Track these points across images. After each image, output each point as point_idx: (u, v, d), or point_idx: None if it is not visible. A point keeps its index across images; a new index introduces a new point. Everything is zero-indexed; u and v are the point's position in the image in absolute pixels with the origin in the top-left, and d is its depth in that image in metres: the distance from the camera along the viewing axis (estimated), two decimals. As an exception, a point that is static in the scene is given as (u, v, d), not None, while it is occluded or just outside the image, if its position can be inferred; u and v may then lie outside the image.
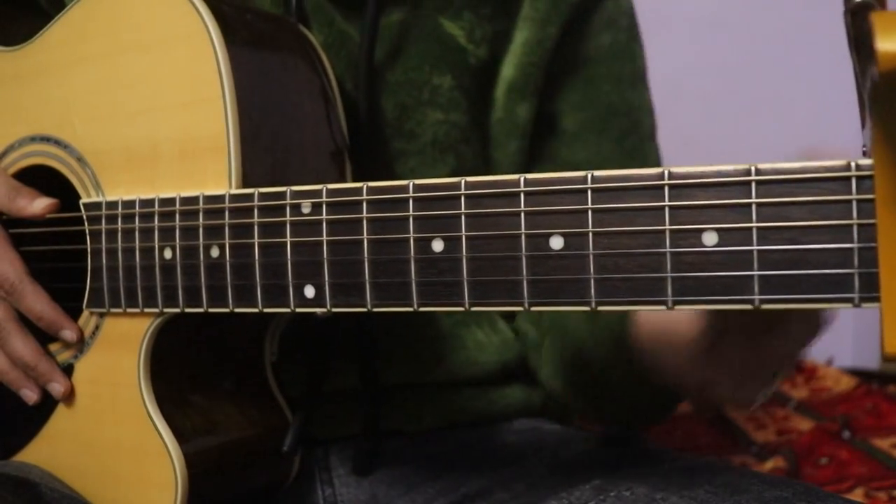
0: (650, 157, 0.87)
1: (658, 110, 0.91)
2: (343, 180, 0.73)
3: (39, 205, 0.72)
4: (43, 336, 0.73)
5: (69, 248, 0.74)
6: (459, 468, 0.83)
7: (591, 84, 0.86)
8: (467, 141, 0.83)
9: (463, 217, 0.54)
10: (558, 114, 0.86)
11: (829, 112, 2.13)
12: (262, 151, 0.67)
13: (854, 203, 0.44)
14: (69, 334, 0.72)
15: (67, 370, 0.73)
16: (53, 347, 0.74)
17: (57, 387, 0.73)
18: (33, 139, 0.76)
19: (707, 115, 2.10)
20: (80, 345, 0.72)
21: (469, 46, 0.82)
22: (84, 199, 0.72)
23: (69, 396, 0.73)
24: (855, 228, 0.44)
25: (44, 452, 0.75)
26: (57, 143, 0.74)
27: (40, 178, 0.75)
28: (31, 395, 0.74)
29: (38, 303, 0.72)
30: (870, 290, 0.44)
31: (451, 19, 0.81)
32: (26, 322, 0.73)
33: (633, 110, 0.87)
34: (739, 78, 2.19)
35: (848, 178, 0.44)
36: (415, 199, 0.56)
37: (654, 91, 0.91)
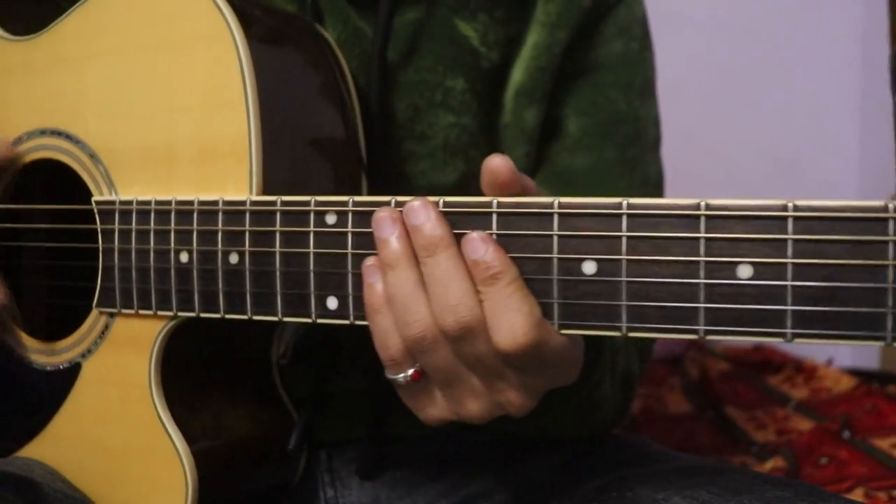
0: (651, 168, 0.87)
1: (660, 110, 0.90)
2: (357, 183, 0.73)
3: None
4: (51, 333, 0.72)
5: (80, 245, 0.73)
6: (461, 470, 0.83)
7: (599, 90, 0.85)
8: (477, 145, 0.82)
9: (494, 236, 0.54)
10: (563, 118, 0.85)
11: (829, 112, 2.15)
12: (282, 156, 0.66)
13: (891, 244, 0.45)
14: None
15: (74, 368, 0.73)
16: (61, 345, 0.73)
17: None
18: (43, 132, 0.75)
19: (709, 115, 2.10)
20: (89, 344, 0.72)
21: (482, 49, 0.81)
22: (96, 197, 0.71)
23: (76, 395, 0.72)
24: (891, 269, 0.45)
25: (48, 450, 0.75)
26: (68, 137, 0.73)
27: (49, 173, 0.74)
28: None
29: None
30: (903, 330, 0.45)
31: (466, 20, 0.81)
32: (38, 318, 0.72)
33: (639, 120, 0.87)
34: (741, 78, 2.20)
35: (885, 220, 0.45)
36: (446, 214, 0.56)
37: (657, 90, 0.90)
